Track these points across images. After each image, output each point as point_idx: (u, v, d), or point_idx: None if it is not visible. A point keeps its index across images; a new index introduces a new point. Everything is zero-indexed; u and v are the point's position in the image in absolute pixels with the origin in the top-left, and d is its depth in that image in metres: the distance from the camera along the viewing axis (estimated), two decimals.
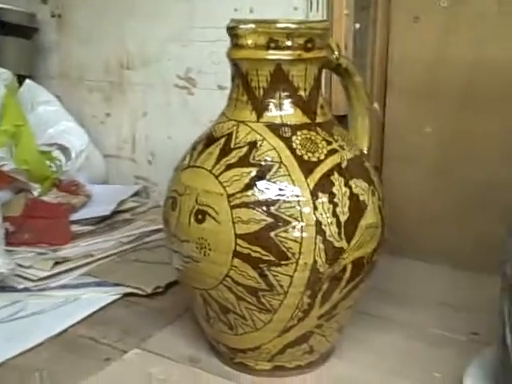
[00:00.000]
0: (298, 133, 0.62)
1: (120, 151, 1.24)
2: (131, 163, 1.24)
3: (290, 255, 0.59)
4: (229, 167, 0.61)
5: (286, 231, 0.58)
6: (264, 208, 0.59)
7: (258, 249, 0.59)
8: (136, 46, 1.16)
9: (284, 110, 0.63)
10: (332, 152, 0.62)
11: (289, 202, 0.59)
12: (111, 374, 0.69)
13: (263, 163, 0.60)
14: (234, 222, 0.59)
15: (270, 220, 0.58)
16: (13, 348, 0.72)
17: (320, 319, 0.64)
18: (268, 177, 0.59)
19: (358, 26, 1.00)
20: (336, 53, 0.67)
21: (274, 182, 0.59)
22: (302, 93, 0.63)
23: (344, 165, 0.62)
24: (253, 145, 0.61)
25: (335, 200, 0.60)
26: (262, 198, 0.59)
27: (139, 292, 0.85)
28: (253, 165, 0.60)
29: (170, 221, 0.65)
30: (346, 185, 0.61)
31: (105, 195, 1.12)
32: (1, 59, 1.12)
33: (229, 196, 0.60)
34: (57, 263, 0.89)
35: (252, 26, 0.61)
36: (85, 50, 1.22)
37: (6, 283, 0.87)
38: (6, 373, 0.69)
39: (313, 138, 0.62)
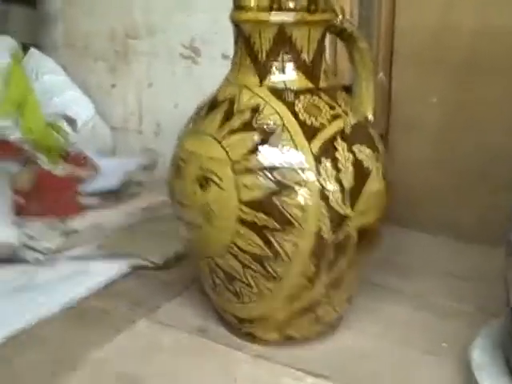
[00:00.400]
0: (301, 97, 0.61)
1: (126, 123, 1.23)
2: (138, 135, 1.23)
3: (293, 221, 0.58)
4: (232, 132, 0.60)
5: (289, 197, 0.58)
6: (267, 174, 0.58)
7: (262, 215, 0.58)
8: (141, 14, 1.14)
9: (287, 74, 0.61)
10: (335, 117, 0.61)
11: (292, 167, 0.58)
12: (122, 344, 0.69)
13: (266, 127, 0.59)
14: (238, 188, 0.58)
15: (273, 186, 0.58)
16: (25, 319, 0.72)
17: (327, 288, 0.63)
18: (271, 141, 0.58)
19: None
20: (340, 17, 0.65)
21: (277, 147, 0.58)
22: (305, 56, 0.62)
23: (347, 130, 0.61)
24: (255, 109, 0.60)
25: (339, 165, 0.59)
26: (265, 163, 0.58)
27: (149, 265, 0.85)
28: (255, 129, 0.59)
29: (174, 188, 0.64)
30: (350, 150, 0.60)
31: (112, 168, 1.11)
32: (5, 27, 1.11)
33: (232, 162, 0.59)
34: (66, 235, 0.89)
35: None
36: (90, 19, 1.21)
37: (17, 254, 0.87)
38: (21, 343, 0.68)
39: (316, 102, 0.61)
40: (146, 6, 1.13)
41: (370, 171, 0.61)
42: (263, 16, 0.60)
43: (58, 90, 1.07)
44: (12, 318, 0.72)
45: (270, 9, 0.59)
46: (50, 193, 0.98)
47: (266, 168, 0.58)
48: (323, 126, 0.60)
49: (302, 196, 0.58)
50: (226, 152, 0.59)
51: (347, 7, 0.96)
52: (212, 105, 0.63)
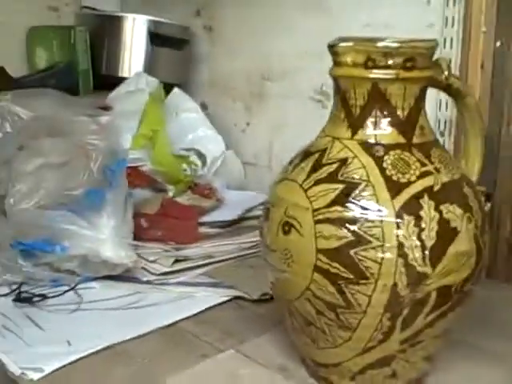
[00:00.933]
0: (391, 152, 0.61)
1: (258, 159, 1.29)
2: (268, 171, 1.28)
3: (368, 275, 0.58)
4: (318, 182, 0.62)
5: (365, 250, 0.58)
6: (346, 225, 0.59)
7: (337, 265, 0.59)
8: (276, 58, 1.20)
9: (379, 129, 0.62)
10: (425, 174, 0.60)
11: (371, 221, 0.58)
12: (203, 371, 0.72)
13: (351, 181, 0.60)
14: (316, 237, 0.60)
15: (350, 237, 0.59)
16: (124, 334, 0.79)
17: (403, 344, 0.62)
18: (353, 195, 0.60)
19: (498, 43, 0.95)
20: (446, 73, 0.65)
21: (359, 201, 0.59)
22: (399, 112, 0.62)
23: (437, 188, 0.60)
24: (343, 161, 0.62)
25: (422, 223, 0.58)
26: (345, 215, 0.59)
27: (246, 296, 0.88)
28: (340, 181, 0.61)
29: (263, 231, 0.67)
30: (436, 209, 0.59)
31: (237, 201, 1.17)
32: (154, 68, 1.22)
33: (314, 210, 0.61)
34: (177, 261, 0.95)
35: (351, 44, 0.61)
36: (231, 61, 1.29)
37: (134, 274, 0.95)
38: (112, 356, 0.75)
39: (406, 158, 0.61)
40: (281, 51, 1.18)
41: (458, 231, 0.60)
42: (358, 72, 0.61)
43: (192, 127, 1.16)
44: (109, 333, 0.79)
45: (365, 65, 0.61)
46: (172, 220, 1.05)
47: (345, 219, 0.59)
48: (410, 182, 0.60)
49: (379, 250, 0.58)
50: (310, 201, 0.61)
51: (478, 58, 0.94)
52: (305, 154, 0.66)
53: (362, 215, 0.59)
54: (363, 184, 0.60)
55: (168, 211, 1.08)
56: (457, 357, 0.74)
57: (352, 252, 0.58)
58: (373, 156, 0.61)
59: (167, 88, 1.25)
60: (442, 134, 0.97)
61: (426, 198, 0.59)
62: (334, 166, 0.62)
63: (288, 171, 0.67)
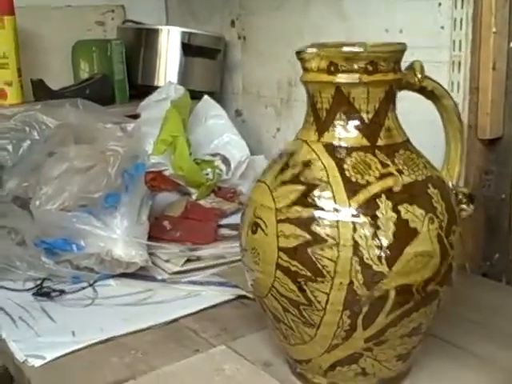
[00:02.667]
0: (354, 154, 0.63)
1: None
2: None
3: (325, 273, 0.60)
4: (283, 183, 0.64)
5: (322, 249, 0.60)
6: (304, 225, 0.61)
7: (297, 263, 0.61)
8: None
9: (343, 132, 0.64)
10: (385, 175, 0.61)
11: (328, 220, 0.60)
12: (191, 364, 0.76)
13: (311, 182, 0.62)
14: (278, 236, 0.62)
15: (308, 237, 0.60)
16: (124, 327, 0.84)
17: (368, 342, 0.63)
18: (312, 195, 0.61)
19: None
20: (418, 75, 0.66)
21: (318, 201, 0.61)
22: (364, 115, 0.63)
23: (397, 189, 0.61)
24: (307, 164, 0.64)
25: (378, 223, 0.59)
26: (303, 215, 0.61)
27: (250, 295, 0.91)
28: (302, 183, 0.63)
29: (240, 231, 0.70)
30: (394, 209, 0.60)
31: None
32: (187, 78, 1.27)
33: (277, 210, 0.63)
34: (188, 261, 1.00)
35: (314, 50, 0.63)
36: (262, 68, 1.32)
37: (150, 273, 1.00)
38: (111, 347, 0.80)
39: (368, 160, 0.62)
40: None
41: (418, 232, 0.60)
42: (322, 77, 0.63)
43: (218, 133, 1.20)
44: (112, 326, 0.84)
45: (328, 70, 0.63)
46: (192, 221, 1.09)
47: (303, 219, 0.61)
48: (369, 183, 0.61)
49: (335, 249, 0.59)
50: (274, 201, 0.63)
51: (490, 59, 0.93)
52: (278, 157, 0.68)
53: (320, 215, 0.61)
54: (323, 185, 0.62)
55: (190, 214, 1.12)
56: (439, 358, 0.74)
57: (309, 250, 0.60)
58: (335, 158, 0.63)
59: (201, 96, 1.30)
60: None
61: (383, 198, 0.60)
62: (298, 167, 0.64)
63: (262, 173, 0.69)
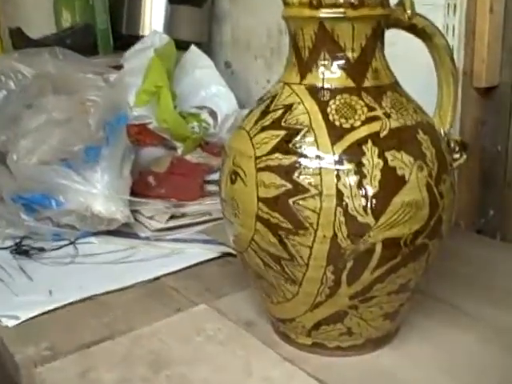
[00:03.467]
0: (338, 97, 0.58)
1: None
2: None
3: (307, 225, 0.56)
4: (263, 129, 0.59)
5: (304, 199, 0.56)
6: (284, 173, 0.56)
7: (277, 215, 0.57)
8: None
9: (327, 72, 0.59)
10: (371, 119, 0.57)
11: (310, 168, 0.56)
12: (171, 324, 0.72)
13: (293, 127, 0.57)
14: (257, 186, 0.58)
15: (289, 186, 0.56)
16: (104, 286, 0.80)
17: (353, 299, 0.59)
18: (294, 141, 0.57)
19: None
20: (408, 11, 0.61)
21: (299, 148, 0.56)
22: (349, 54, 0.58)
23: (383, 134, 0.56)
24: (289, 107, 0.59)
25: (363, 171, 0.55)
26: (284, 162, 0.57)
27: (235, 253, 0.87)
28: (283, 128, 0.58)
29: (220, 182, 0.66)
30: (381, 156, 0.55)
31: None
32: (173, 27, 1.21)
33: (256, 158, 0.58)
34: (173, 217, 0.95)
35: None
36: (251, 18, 1.26)
37: (134, 230, 0.96)
38: (90, 307, 0.77)
39: (353, 103, 0.57)
40: None
41: (406, 181, 0.56)
42: (304, 12, 0.58)
43: (205, 84, 1.14)
44: (92, 285, 0.80)
45: (310, 4, 0.57)
46: (177, 177, 1.05)
47: (283, 167, 0.57)
48: (353, 128, 0.56)
49: (317, 199, 0.55)
50: (254, 148, 0.59)
51: (487, 2, 0.87)
52: (258, 102, 0.63)
53: (301, 163, 0.56)
54: (305, 130, 0.57)
55: (176, 169, 1.08)
56: (429, 317, 0.70)
57: (290, 201, 0.56)
58: (318, 101, 0.58)
59: (187, 47, 1.24)
60: None
61: (369, 144, 0.56)
62: (280, 112, 0.59)
63: (243, 119, 0.64)
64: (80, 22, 1.27)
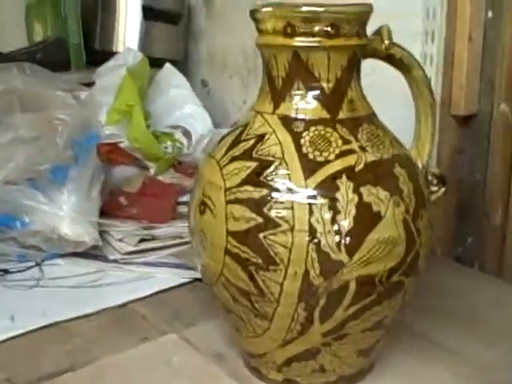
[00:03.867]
0: (312, 128, 0.56)
1: None
2: None
3: (278, 261, 0.54)
4: (233, 159, 0.57)
5: (274, 234, 0.54)
6: (255, 206, 0.54)
7: (247, 249, 0.55)
8: None
9: (301, 103, 0.57)
10: (346, 153, 0.55)
11: (282, 202, 0.54)
12: (136, 354, 0.70)
13: (265, 158, 0.56)
14: (227, 218, 0.56)
15: (259, 220, 0.54)
16: (71, 312, 0.77)
17: (326, 337, 0.57)
18: (265, 174, 0.55)
19: (490, 14, 0.87)
20: (386, 42, 0.59)
21: (271, 180, 0.55)
22: (324, 84, 0.57)
23: (359, 168, 0.55)
24: (260, 138, 0.57)
25: (338, 206, 0.53)
26: (255, 195, 0.55)
27: None
28: (255, 159, 0.56)
29: (188, 211, 0.64)
30: (356, 191, 0.54)
31: None
32: (148, 44, 1.19)
33: (226, 190, 0.56)
34: (143, 240, 0.93)
35: (269, 9, 0.56)
36: (228, 36, 1.25)
37: (103, 252, 0.93)
38: (53, 334, 0.73)
39: (327, 135, 0.56)
40: None
41: (382, 217, 0.54)
42: (277, 40, 0.56)
43: (180, 104, 1.12)
44: (56, 311, 0.77)
45: (285, 32, 0.56)
46: (149, 198, 1.03)
47: (254, 200, 0.55)
48: (328, 161, 0.54)
49: (289, 235, 0.53)
50: (224, 179, 0.57)
51: (466, 30, 0.86)
52: (231, 130, 0.62)
53: (273, 196, 0.54)
54: (277, 162, 0.55)
55: (148, 189, 1.05)
56: (406, 352, 0.69)
57: (261, 236, 0.54)
58: (291, 132, 0.56)
59: (163, 64, 1.22)
60: None
61: (344, 178, 0.54)
62: (251, 142, 0.57)
63: (214, 146, 0.62)
64: (52, 36, 1.24)
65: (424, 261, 0.59)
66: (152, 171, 1.07)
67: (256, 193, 0.55)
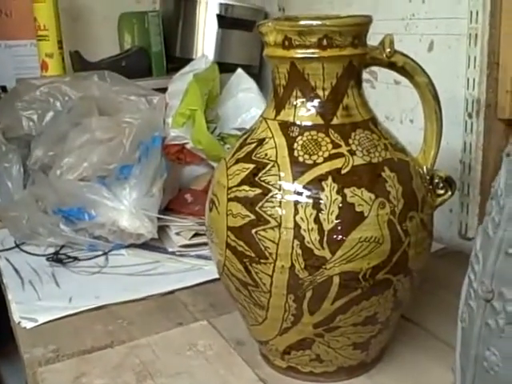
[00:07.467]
0: (306, 133, 0.60)
1: None
2: None
3: (267, 255, 0.59)
4: (237, 161, 0.63)
5: (264, 230, 0.59)
6: (249, 204, 0.60)
7: (242, 243, 0.60)
8: None
9: (298, 110, 0.61)
10: (334, 156, 0.59)
11: (271, 201, 0.59)
12: (166, 337, 0.77)
13: (261, 161, 0.61)
14: (227, 214, 0.61)
15: (252, 217, 0.59)
16: (119, 296, 0.86)
17: (317, 328, 0.61)
18: (260, 175, 0.60)
19: None
20: (387, 50, 0.62)
21: (264, 181, 0.59)
22: (320, 92, 0.61)
23: (345, 171, 0.58)
24: (260, 142, 0.62)
25: (321, 206, 0.57)
26: (249, 194, 0.60)
27: None
28: (253, 161, 0.61)
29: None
30: (340, 192, 0.57)
31: None
32: (224, 50, 1.27)
33: (228, 188, 0.62)
34: (197, 234, 1.00)
35: (270, 24, 0.61)
36: None
37: (163, 244, 1.02)
38: (101, 315, 0.83)
39: (319, 139, 0.60)
40: None
41: (365, 217, 0.58)
42: (277, 52, 0.61)
43: (246, 107, 1.18)
44: (109, 295, 0.86)
45: (283, 45, 0.60)
46: None
47: (249, 199, 0.60)
48: (316, 164, 0.59)
49: (276, 231, 0.58)
50: (227, 179, 0.63)
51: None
52: (242, 133, 0.67)
53: (264, 195, 0.59)
54: (270, 164, 0.60)
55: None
56: (417, 350, 0.71)
57: (253, 231, 0.59)
58: (287, 136, 0.61)
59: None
60: (470, 116, 0.90)
61: (329, 180, 0.58)
62: (253, 145, 0.62)
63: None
64: (136, 45, 1.35)
65: (418, 261, 0.61)
66: None
67: (251, 192, 0.60)
